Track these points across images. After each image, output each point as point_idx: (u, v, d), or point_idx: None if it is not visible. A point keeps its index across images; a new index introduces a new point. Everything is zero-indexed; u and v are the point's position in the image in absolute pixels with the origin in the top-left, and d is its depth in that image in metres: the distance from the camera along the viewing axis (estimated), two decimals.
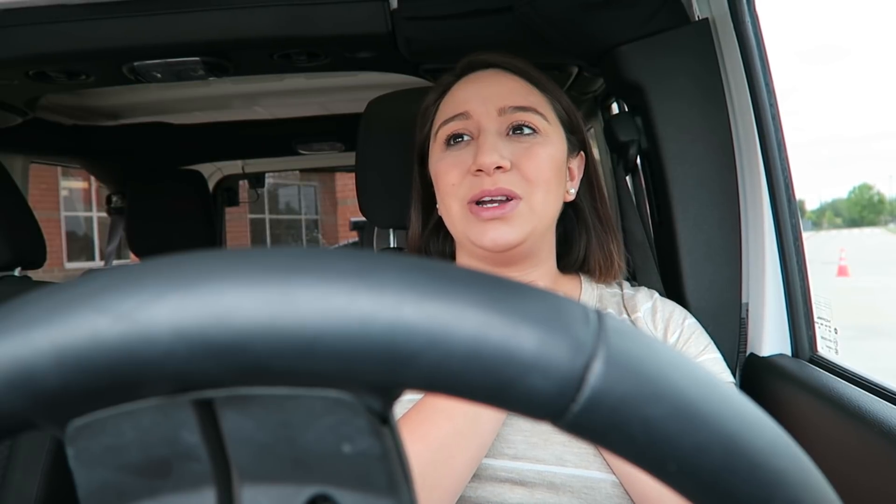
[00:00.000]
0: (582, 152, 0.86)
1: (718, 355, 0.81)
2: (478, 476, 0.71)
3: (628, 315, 0.83)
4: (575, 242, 0.88)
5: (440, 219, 0.86)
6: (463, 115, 0.79)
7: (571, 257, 0.88)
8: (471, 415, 0.65)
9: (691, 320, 0.83)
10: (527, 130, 0.78)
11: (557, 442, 0.72)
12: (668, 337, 0.81)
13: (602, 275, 0.86)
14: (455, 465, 0.65)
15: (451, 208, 0.79)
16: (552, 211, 0.80)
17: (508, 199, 0.76)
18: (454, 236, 0.83)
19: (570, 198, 0.85)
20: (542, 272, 0.83)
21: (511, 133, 0.78)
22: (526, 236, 0.77)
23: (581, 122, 0.86)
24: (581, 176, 0.87)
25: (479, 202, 0.76)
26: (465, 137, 0.79)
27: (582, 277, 0.88)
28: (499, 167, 0.75)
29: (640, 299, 0.85)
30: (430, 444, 0.64)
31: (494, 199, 0.75)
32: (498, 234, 0.75)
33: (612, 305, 0.85)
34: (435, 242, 0.90)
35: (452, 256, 0.89)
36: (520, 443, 0.73)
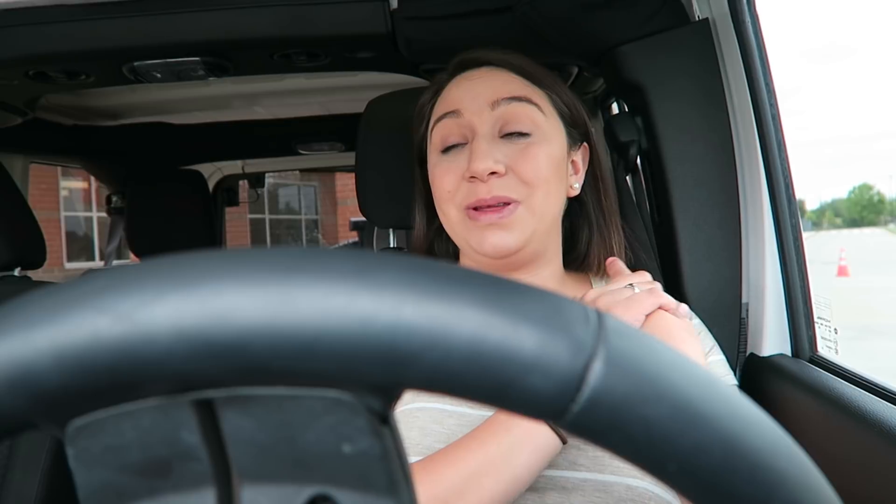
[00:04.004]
0: (585, 143, 0.84)
1: (722, 357, 0.80)
2: None
3: None
4: (579, 237, 0.86)
5: None
6: (454, 113, 0.78)
7: (576, 252, 0.86)
8: (505, 446, 0.63)
9: (696, 321, 0.82)
10: (521, 129, 0.76)
11: (571, 446, 0.70)
12: None
13: (600, 269, 0.84)
14: (483, 495, 0.62)
15: (449, 214, 0.78)
16: (554, 210, 0.78)
17: (506, 204, 0.74)
18: (456, 242, 0.82)
19: (575, 192, 0.82)
20: (548, 274, 0.82)
21: (505, 135, 0.77)
22: (527, 240, 0.75)
23: (584, 114, 0.84)
24: (585, 167, 0.84)
25: (476, 208, 0.75)
26: (459, 145, 0.78)
27: (592, 278, 0.86)
28: (493, 173, 0.73)
29: None
30: (459, 471, 0.61)
31: (491, 205, 0.74)
32: (498, 239, 0.74)
33: None
34: (440, 243, 0.89)
35: (457, 257, 0.88)
36: None
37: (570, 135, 0.81)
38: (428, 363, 0.19)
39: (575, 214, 0.86)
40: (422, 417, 0.72)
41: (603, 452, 0.69)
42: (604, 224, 0.85)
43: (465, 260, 0.85)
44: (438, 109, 0.81)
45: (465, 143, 0.77)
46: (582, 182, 0.84)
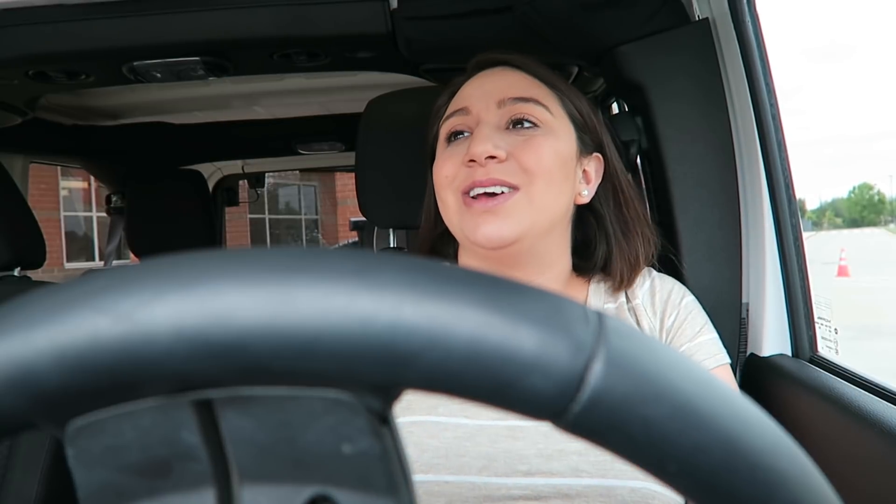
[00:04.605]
0: (599, 154, 0.82)
1: (716, 335, 0.79)
2: (490, 497, 0.67)
3: (629, 302, 0.81)
4: (595, 249, 0.83)
5: None
6: (463, 111, 0.78)
7: (591, 262, 0.83)
8: None
9: (689, 298, 0.81)
10: (527, 124, 0.75)
11: (573, 452, 0.68)
12: (666, 318, 0.79)
13: (623, 283, 0.81)
14: None
15: (447, 201, 0.77)
16: (555, 206, 0.76)
17: (503, 192, 0.72)
18: (453, 233, 0.80)
19: (583, 200, 0.80)
20: (551, 277, 0.80)
21: (511, 127, 0.76)
22: (523, 232, 0.73)
23: (598, 123, 0.82)
24: (599, 180, 0.82)
25: (472, 195, 0.73)
26: (465, 133, 0.77)
27: (591, 280, 0.84)
28: (493, 157, 0.72)
29: (637, 282, 0.82)
30: None
31: (487, 190, 0.72)
32: (490, 228, 0.71)
33: (620, 296, 0.82)
34: (442, 246, 0.88)
35: (457, 260, 0.86)
36: (533, 457, 0.69)
37: (581, 139, 0.80)
38: (428, 363, 0.19)
39: (590, 227, 0.84)
40: (416, 432, 0.70)
41: (605, 457, 0.68)
42: (623, 237, 0.82)
43: (464, 257, 0.84)
44: (450, 109, 0.81)
45: (470, 135, 0.77)
46: (594, 192, 0.81)
